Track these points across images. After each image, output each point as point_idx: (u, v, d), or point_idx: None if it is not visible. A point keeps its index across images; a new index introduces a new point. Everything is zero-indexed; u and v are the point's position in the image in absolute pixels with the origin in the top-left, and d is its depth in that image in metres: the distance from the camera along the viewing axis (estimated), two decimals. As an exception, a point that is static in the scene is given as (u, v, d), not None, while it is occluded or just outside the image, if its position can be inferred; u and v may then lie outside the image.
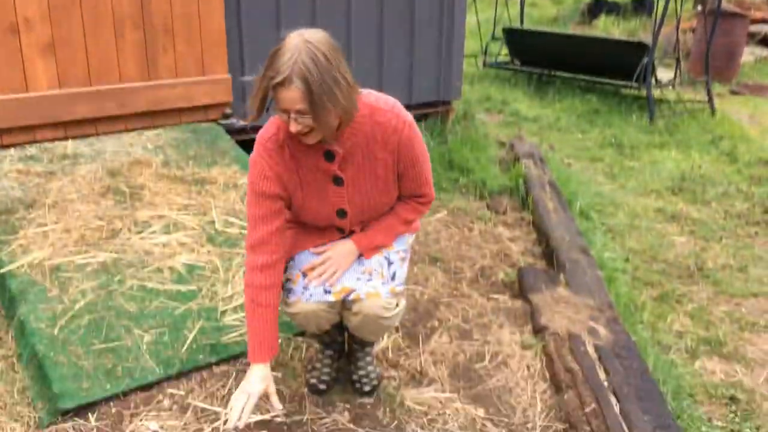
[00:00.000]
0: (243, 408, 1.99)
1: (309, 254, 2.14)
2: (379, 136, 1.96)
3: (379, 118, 1.95)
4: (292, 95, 1.73)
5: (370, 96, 1.96)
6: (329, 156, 1.97)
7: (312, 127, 1.82)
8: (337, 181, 2.01)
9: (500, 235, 3.83)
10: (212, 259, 2.93)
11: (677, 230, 4.28)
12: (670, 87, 7.33)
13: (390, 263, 2.15)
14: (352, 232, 2.16)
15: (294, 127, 1.81)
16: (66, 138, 3.72)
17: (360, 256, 2.13)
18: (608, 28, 11.17)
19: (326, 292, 2.07)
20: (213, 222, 3.19)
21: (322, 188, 2.03)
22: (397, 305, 2.12)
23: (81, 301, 2.57)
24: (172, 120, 4.05)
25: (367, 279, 2.10)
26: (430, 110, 5.42)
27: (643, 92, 6.92)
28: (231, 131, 4.18)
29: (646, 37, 9.37)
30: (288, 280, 2.13)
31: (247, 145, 4.17)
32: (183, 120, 4.08)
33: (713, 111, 6.92)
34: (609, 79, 7.21)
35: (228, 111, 4.22)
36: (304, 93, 1.72)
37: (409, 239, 2.25)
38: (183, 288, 2.74)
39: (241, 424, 2.00)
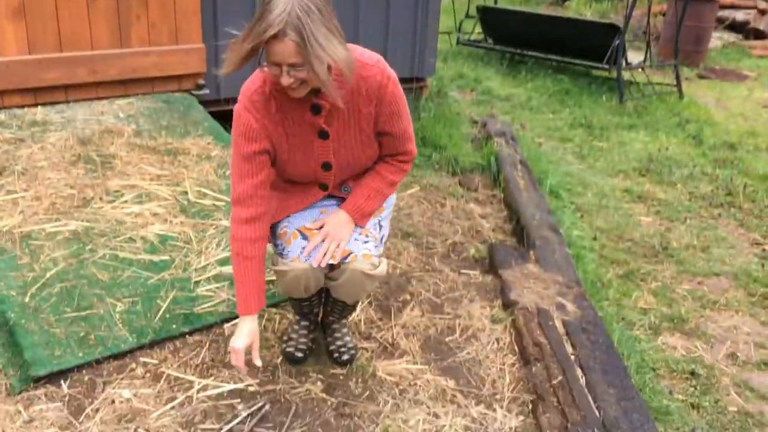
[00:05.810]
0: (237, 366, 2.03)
1: (302, 216, 2.14)
2: (363, 90, 1.95)
3: (364, 72, 1.92)
4: (287, 48, 1.70)
5: (354, 51, 1.93)
6: (316, 109, 1.95)
7: (303, 80, 1.79)
8: (323, 134, 2.00)
9: (472, 211, 3.87)
10: (185, 230, 2.92)
11: (643, 210, 4.38)
12: (640, 69, 7.43)
13: (381, 227, 2.20)
14: (335, 196, 2.18)
15: (286, 81, 1.77)
16: (35, 104, 3.65)
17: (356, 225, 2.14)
18: (580, 9, 11.24)
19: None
20: (186, 193, 3.18)
21: (308, 141, 2.01)
22: (380, 264, 2.13)
23: (52, 270, 2.55)
24: (145, 89, 3.99)
25: (363, 241, 2.12)
26: (404, 86, 5.38)
27: (614, 74, 7.00)
28: (204, 102, 4.13)
29: (617, 19, 9.47)
30: (280, 240, 2.11)
31: (220, 116, 4.14)
32: (156, 89, 4.03)
33: (681, 95, 7.05)
34: (580, 60, 7.27)
35: (201, 81, 4.17)
36: (299, 46, 1.69)
37: (392, 197, 2.30)
38: (156, 258, 2.73)
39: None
